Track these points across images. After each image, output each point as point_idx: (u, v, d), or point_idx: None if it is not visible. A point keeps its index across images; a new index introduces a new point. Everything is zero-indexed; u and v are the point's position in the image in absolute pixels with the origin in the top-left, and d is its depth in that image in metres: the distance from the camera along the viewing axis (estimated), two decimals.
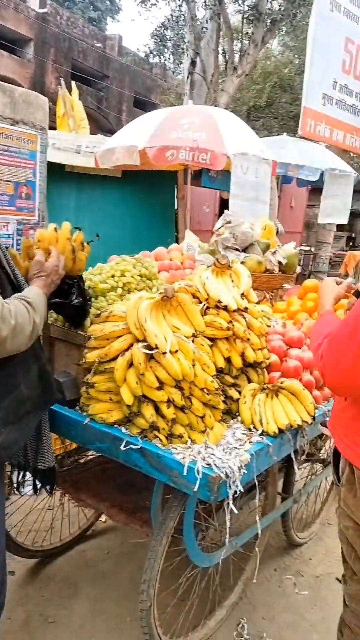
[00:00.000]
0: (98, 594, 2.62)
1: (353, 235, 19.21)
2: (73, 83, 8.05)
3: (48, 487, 2.17)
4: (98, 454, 2.59)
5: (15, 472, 2.16)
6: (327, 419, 1.96)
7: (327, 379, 1.60)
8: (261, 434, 1.99)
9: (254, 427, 2.02)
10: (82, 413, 2.05)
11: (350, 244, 17.97)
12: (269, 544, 3.05)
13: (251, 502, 2.31)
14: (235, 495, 1.80)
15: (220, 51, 13.88)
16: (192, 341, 1.95)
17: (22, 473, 2.14)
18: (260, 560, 2.80)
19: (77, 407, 2.10)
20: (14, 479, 2.16)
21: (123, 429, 1.94)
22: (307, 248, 12.49)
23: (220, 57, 13.54)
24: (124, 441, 1.88)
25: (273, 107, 20.61)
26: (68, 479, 2.60)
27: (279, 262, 3.36)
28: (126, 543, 3.01)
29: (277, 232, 9.09)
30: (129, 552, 2.94)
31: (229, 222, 3.39)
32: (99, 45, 16.57)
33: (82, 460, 2.81)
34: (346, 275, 11.07)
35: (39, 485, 2.13)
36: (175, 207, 7.84)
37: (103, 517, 3.15)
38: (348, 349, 1.48)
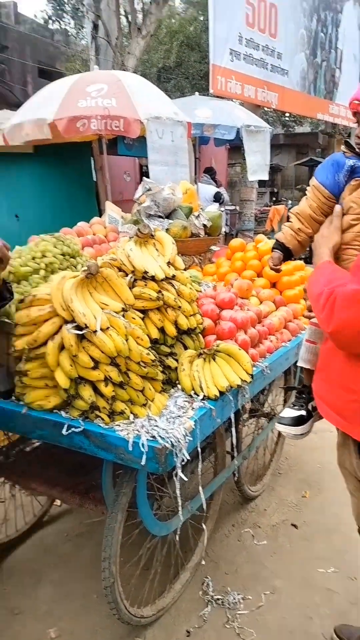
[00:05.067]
0: (61, 577, 2.61)
1: (275, 190, 19.52)
2: None
3: None
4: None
5: None
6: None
7: (337, 334, 1.58)
8: (203, 399, 2.00)
9: (195, 393, 2.02)
10: (19, 403, 1.99)
11: (274, 199, 18.25)
12: (225, 502, 3.13)
13: (203, 464, 2.35)
14: (184, 463, 1.81)
15: (123, 12, 13.40)
16: (123, 316, 1.92)
17: None
18: (218, 518, 2.88)
19: (13, 398, 2.03)
20: None
21: (63, 414, 1.90)
22: (232, 207, 12.57)
23: (124, 19, 13.08)
24: (65, 425, 1.84)
25: (183, 67, 20.27)
26: (16, 469, 2.53)
27: (204, 225, 3.35)
28: (83, 523, 3.00)
29: (222, 201, 9.07)
30: (87, 532, 2.94)
31: (149, 190, 3.33)
32: None
33: (28, 449, 2.74)
34: (272, 231, 11.26)
35: None
36: (95, 179, 7.63)
37: (58, 501, 3.12)
38: None
